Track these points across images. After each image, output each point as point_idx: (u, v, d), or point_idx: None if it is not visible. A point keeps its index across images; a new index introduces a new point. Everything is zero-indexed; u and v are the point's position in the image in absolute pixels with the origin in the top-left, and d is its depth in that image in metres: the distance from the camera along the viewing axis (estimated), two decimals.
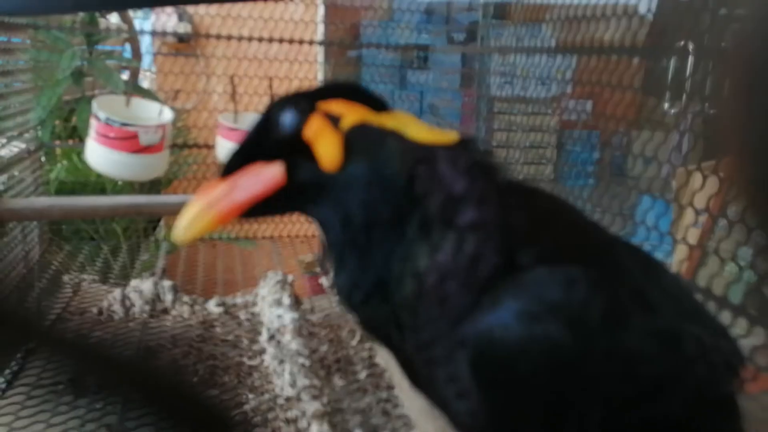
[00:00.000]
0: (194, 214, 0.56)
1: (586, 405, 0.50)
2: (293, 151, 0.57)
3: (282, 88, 2.36)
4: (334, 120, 0.57)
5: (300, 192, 0.57)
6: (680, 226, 1.16)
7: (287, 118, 0.57)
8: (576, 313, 0.50)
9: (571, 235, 0.58)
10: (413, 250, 0.53)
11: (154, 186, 2.30)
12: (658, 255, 1.18)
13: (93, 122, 1.90)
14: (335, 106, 0.58)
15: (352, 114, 0.57)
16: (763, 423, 0.79)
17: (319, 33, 2.57)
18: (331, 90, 0.60)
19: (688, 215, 1.13)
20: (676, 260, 1.18)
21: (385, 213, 0.54)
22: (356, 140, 0.56)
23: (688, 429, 0.55)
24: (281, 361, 1.37)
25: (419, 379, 0.59)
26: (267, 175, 0.57)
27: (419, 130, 0.58)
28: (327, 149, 0.56)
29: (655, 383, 0.52)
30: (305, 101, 0.58)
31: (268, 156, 0.57)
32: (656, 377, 0.52)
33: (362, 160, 0.55)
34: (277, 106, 0.59)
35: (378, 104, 0.60)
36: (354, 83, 0.62)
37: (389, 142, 0.56)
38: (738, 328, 1.00)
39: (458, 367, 0.52)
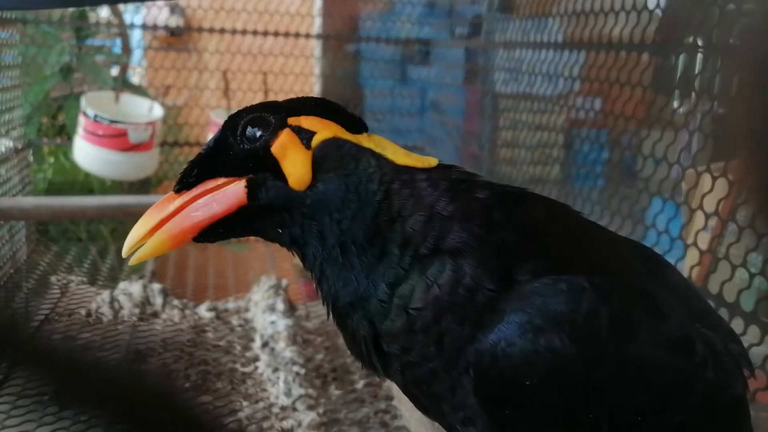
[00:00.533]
0: (143, 233, 0.52)
1: (595, 416, 0.49)
2: (258, 167, 0.53)
3: (277, 84, 2.31)
4: (305, 136, 0.53)
5: (264, 212, 0.53)
6: (691, 230, 1.13)
7: (254, 131, 0.53)
8: (581, 323, 0.48)
9: (569, 241, 0.55)
10: (402, 277, 0.51)
11: (143, 186, 2.25)
12: (669, 260, 1.15)
13: (81, 119, 1.86)
14: (306, 122, 0.54)
15: (324, 130, 0.54)
16: None
17: (316, 26, 2.52)
18: (302, 105, 0.56)
19: (698, 219, 1.10)
20: (688, 265, 1.14)
21: (361, 231, 0.52)
22: (328, 157, 0.53)
23: None
24: (276, 369, 1.33)
25: (423, 406, 0.57)
26: (228, 194, 0.52)
27: (397, 153, 0.55)
28: (295, 166, 0.52)
29: (667, 391, 0.50)
30: (274, 114, 0.54)
31: (229, 171, 0.53)
32: (667, 385, 0.50)
33: (334, 177, 0.52)
34: (242, 117, 0.54)
35: (355, 124, 0.56)
36: (328, 100, 0.57)
37: (364, 158, 0.53)
38: (750, 335, 0.98)
39: (463, 396, 0.50)
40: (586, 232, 0.59)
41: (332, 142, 0.53)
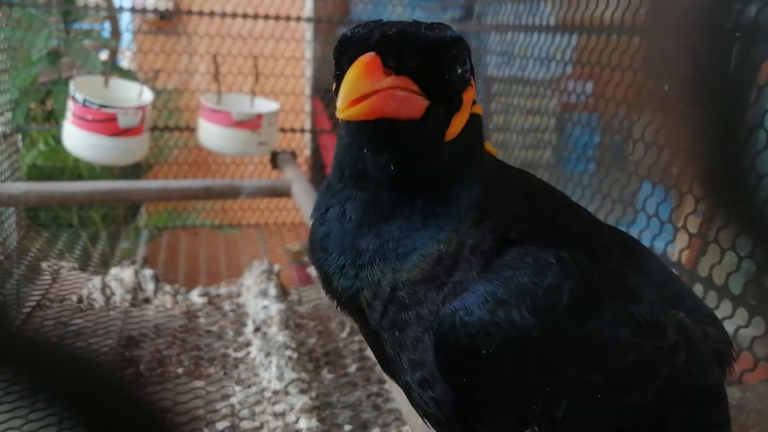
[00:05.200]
0: (360, 95, 0.47)
1: (551, 391, 0.49)
2: (443, 99, 0.51)
3: (268, 67, 2.29)
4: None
5: (410, 136, 0.50)
6: (681, 213, 1.14)
7: (467, 71, 0.52)
8: (543, 297, 0.48)
9: (551, 219, 0.56)
10: (439, 235, 0.51)
11: (134, 171, 2.24)
12: (659, 243, 1.16)
13: (70, 104, 1.84)
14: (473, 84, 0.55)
15: (474, 102, 0.55)
16: (761, 413, 0.76)
17: (307, 9, 2.50)
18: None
19: (688, 203, 1.11)
20: (677, 249, 1.15)
21: (442, 195, 0.52)
22: (472, 129, 0.54)
23: (664, 419, 0.53)
24: (268, 354, 1.33)
25: (386, 361, 0.57)
26: (416, 104, 0.49)
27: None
28: (460, 121, 0.52)
29: (629, 372, 0.51)
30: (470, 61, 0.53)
31: (425, 87, 0.49)
32: (630, 366, 0.51)
33: (464, 145, 0.53)
34: (463, 50, 0.52)
35: None
36: None
37: (481, 141, 0.55)
38: (738, 318, 0.99)
39: (422, 353, 0.51)
40: (570, 212, 0.60)
41: (478, 120, 0.55)
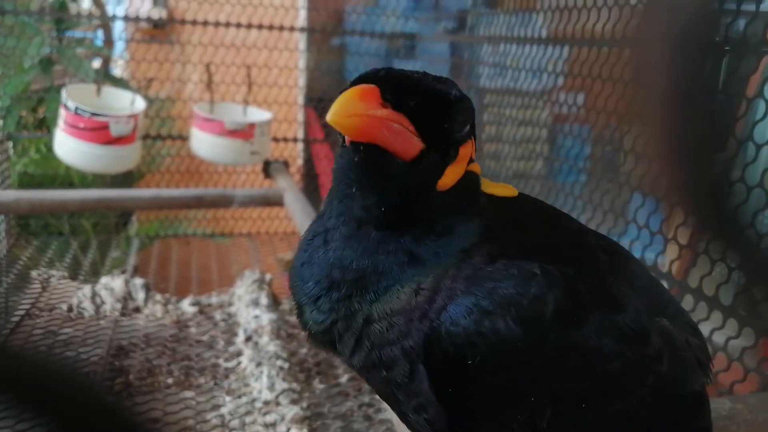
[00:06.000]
0: (351, 114, 0.47)
1: (537, 400, 0.49)
2: (436, 146, 0.51)
3: (261, 77, 2.30)
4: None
5: (400, 175, 0.50)
6: (671, 224, 1.15)
7: (467, 128, 0.52)
8: (528, 307, 0.48)
9: (538, 230, 0.56)
10: (422, 275, 0.51)
11: (126, 179, 2.24)
12: (650, 254, 1.16)
13: (62, 112, 1.83)
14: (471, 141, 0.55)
15: (473, 161, 0.55)
16: (751, 424, 0.77)
17: (301, 19, 2.51)
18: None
19: (678, 213, 1.11)
20: (668, 260, 1.15)
21: (431, 238, 0.52)
22: (466, 187, 0.53)
23: (648, 427, 0.54)
24: (259, 364, 1.32)
25: (376, 390, 0.57)
26: (411, 143, 0.50)
27: (487, 185, 0.57)
28: (455, 174, 0.52)
29: (613, 380, 0.51)
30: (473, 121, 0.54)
31: (422, 131, 0.50)
32: (614, 375, 0.51)
33: (457, 199, 0.53)
34: (469, 109, 0.52)
35: None
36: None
37: (478, 202, 0.55)
38: (728, 329, 0.99)
39: (420, 381, 0.50)
40: (556, 222, 0.60)
41: (475, 179, 0.55)
